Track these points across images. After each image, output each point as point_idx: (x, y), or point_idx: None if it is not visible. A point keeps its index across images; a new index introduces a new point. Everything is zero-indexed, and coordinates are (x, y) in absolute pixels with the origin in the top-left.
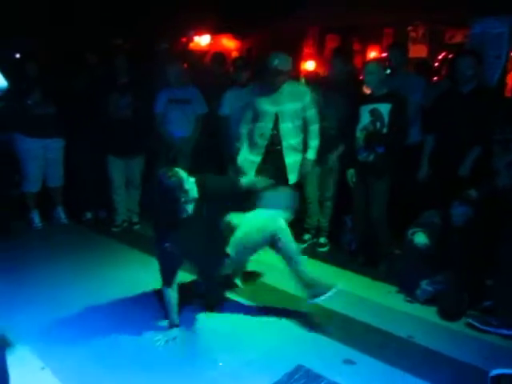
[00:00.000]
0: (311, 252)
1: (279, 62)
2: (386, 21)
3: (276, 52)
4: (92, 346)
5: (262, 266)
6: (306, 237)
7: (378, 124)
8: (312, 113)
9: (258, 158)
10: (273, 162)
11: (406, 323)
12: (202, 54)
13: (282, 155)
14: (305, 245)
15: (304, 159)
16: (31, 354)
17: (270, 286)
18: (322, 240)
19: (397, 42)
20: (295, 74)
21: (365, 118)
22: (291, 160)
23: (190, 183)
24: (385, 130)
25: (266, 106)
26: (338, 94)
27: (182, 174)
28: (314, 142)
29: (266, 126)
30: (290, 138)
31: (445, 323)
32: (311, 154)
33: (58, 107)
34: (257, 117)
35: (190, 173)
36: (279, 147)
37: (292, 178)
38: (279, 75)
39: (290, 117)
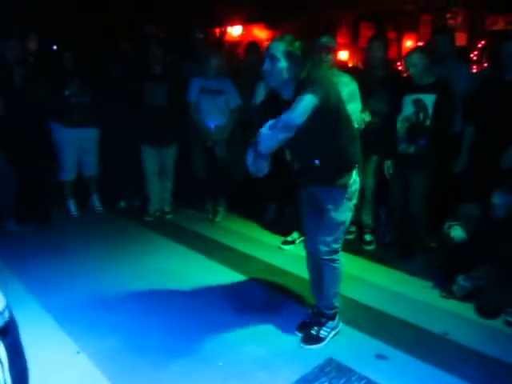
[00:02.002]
0: (352, 248)
1: (327, 39)
2: (424, 5)
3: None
4: (126, 331)
5: (290, 257)
6: (352, 228)
7: (422, 115)
8: (351, 107)
9: None
10: None
11: (442, 319)
12: (234, 44)
13: None
14: (352, 236)
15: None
16: (67, 338)
17: (299, 278)
18: (368, 238)
19: (444, 27)
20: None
21: (407, 109)
22: None
23: None
24: (428, 122)
25: None
26: (377, 85)
27: None
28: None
29: None
30: None
31: (482, 320)
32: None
33: (94, 96)
34: None
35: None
36: None
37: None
38: (329, 52)
39: None
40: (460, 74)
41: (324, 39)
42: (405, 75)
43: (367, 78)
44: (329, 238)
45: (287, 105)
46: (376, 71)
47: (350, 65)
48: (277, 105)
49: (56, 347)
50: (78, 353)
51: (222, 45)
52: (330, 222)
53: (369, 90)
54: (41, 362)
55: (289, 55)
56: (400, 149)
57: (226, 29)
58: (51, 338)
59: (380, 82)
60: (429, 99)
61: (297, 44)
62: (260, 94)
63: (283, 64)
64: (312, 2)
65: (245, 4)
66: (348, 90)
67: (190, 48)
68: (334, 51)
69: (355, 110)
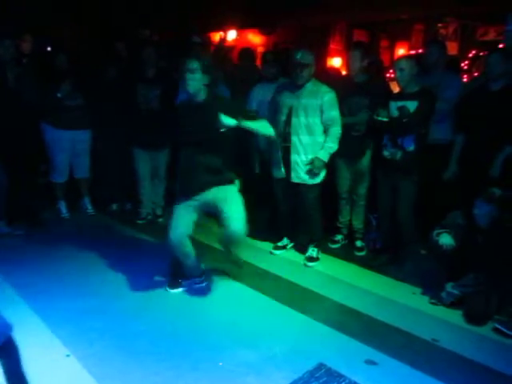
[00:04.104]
0: (343, 253)
1: (302, 55)
2: (417, 14)
3: (299, 47)
4: (116, 334)
5: (281, 262)
6: (338, 237)
7: (406, 121)
8: (332, 114)
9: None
10: (284, 159)
11: (430, 326)
12: (228, 49)
13: (289, 151)
14: (337, 245)
15: (315, 157)
16: (56, 341)
17: (291, 283)
18: (359, 244)
19: (436, 38)
20: (320, 70)
21: (392, 115)
22: (298, 158)
23: None
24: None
25: (285, 98)
26: (359, 93)
27: None
28: (329, 144)
29: (280, 119)
30: (301, 135)
31: (470, 327)
32: (322, 154)
33: (87, 99)
34: (277, 110)
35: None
36: (288, 144)
37: (293, 176)
38: (303, 68)
39: (304, 112)
40: (450, 84)
41: (298, 55)
42: (391, 84)
43: (345, 83)
44: None
45: (201, 107)
46: (355, 78)
47: (344, 72)
48: (191, 108)
49: (45, 350)
50: (67, 356)
51: (222, 49)
52: None
53: (345, 96)
54: (30, 365)
55: (204, 69)
56: (386, 154)
57: (225, 34)
58: (40, 341)
59: (358, 89)
60: (412, 106)
61: (206, 61)
62: (255, 98)
63: (199, 75)
64: (306, 9)
65: (239, 9)
66: (327, 97)
67: (188, 52)
68: (310, 66)
69: (335, 117)
